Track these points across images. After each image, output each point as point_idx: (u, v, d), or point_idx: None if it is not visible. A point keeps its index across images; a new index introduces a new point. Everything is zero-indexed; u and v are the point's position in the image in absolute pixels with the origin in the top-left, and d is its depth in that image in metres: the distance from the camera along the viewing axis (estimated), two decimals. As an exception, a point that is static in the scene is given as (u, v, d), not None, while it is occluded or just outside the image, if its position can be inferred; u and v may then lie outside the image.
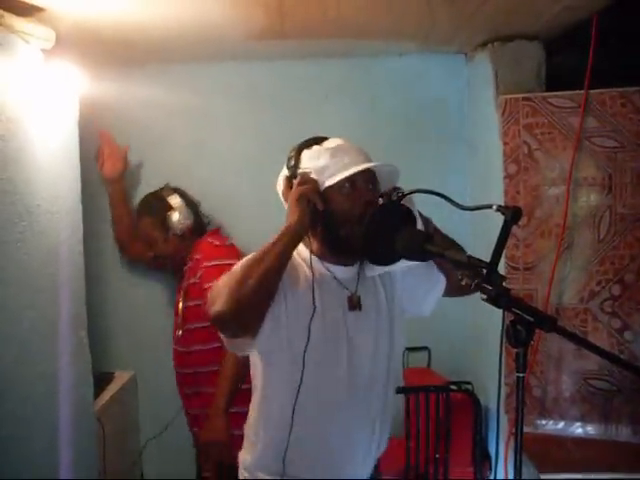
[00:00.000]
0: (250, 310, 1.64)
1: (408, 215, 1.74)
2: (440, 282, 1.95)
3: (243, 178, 3.43)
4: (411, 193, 1.76)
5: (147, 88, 3.25)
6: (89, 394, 2.75)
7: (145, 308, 3.55)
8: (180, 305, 3.02)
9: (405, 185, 1.81)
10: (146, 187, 3.35)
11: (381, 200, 1.76)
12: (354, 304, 1.85)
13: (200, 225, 3.12)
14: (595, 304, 2.66)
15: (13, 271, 2.14)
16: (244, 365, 2.06)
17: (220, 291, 1.65)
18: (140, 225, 3.12)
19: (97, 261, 3.32)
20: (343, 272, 1.86)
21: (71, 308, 2.56)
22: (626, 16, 2.57)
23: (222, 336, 1.76)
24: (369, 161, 1.81)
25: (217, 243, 3.00)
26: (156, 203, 3.09)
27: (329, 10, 2.50)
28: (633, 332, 2.62)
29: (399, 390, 2.78)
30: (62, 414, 2.45)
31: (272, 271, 1.64)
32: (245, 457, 1.97)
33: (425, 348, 3.38)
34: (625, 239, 2.61)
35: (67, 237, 2.54)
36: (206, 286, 2.72)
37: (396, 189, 1.79)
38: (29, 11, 2.23)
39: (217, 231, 3.14)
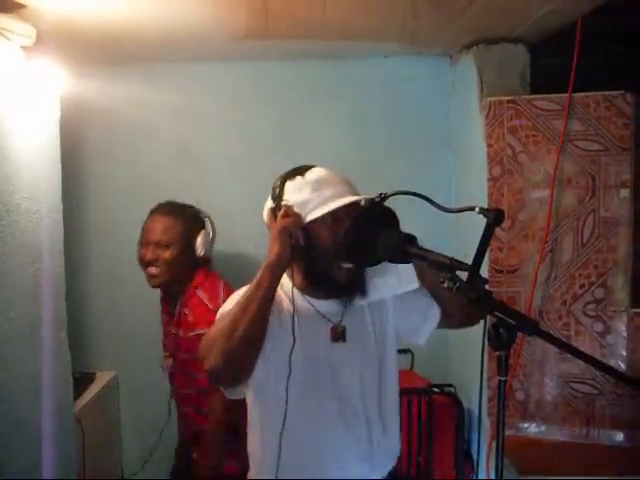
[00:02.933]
0: (241, 360, 1.64)
1: (391, 217, 1.73)
2: (434, 312, 1.93)
3: (227, 177, 3.42)
4: (393, 195, 1.75)
5: (130, 87, 3.23)
6: (69, 395, 2.72)
7: (128, 308, 3.53)
8: (172, 351, 2.94)
9: (388, 186, 1.80)
10: (129, 186, 3.33)
11: (363, 202, 1.74)
12: (337, 335, 1.83)
13: (208, 260, 3.00)
14: (578, 307, 2.66)
15: (-8, 270, 2.12)
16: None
17: (210, 345, 1.64)
18: (160, 224, 2.86)
19: (78, 260, 3.30)
20: (327, 306, 1.84)
21: (51, 308, 2.53)
22: (610, 20, 2.58)
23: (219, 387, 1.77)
24: (352, 191, 1.79)
25: (211, 306, 2.75)
26: (190, 212, 2.94)
27: (314, 11, 2.49)
28: (615, 336, 2.63)
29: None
30: (41, 415, 2.42)
31: (258, 316, 1.63)
32: None
33: (408, 351, 3.37)
34: (608, 242, 2.62)
35: (47, 236, 2.52)
36: (197, 332, 2.68)
37: (380, 194, 1.78)
38: (10, 7, 2.20)
39: (206, 274, 2.93)
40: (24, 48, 2.35)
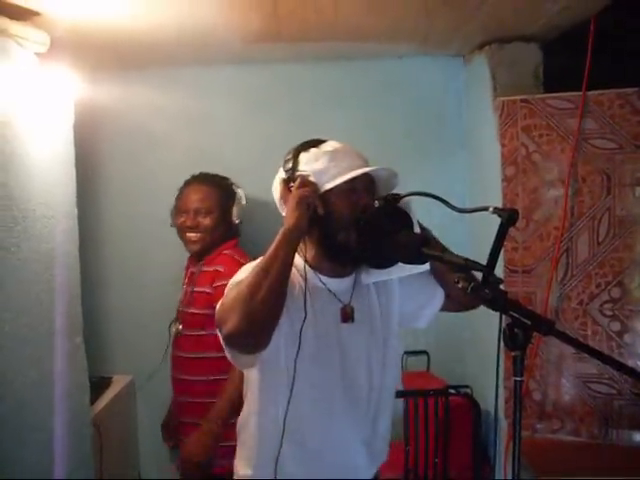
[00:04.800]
0: (263, 326, 1.61)
1: (405, 218, 1.73)
2: (438, 295, 1.93)
3: (241, 180, 3.42)
4: (408, 195, 1.75)
5: (143, 92, 3.25)
6: (85, 400, 2.74)
7: (144, 312, 3.53)
8: (184, 309, 3.00)
9: (403, 188, 1.80)
10: (143, 191, 3.34)
11: (377, 203, 1.74)
12: (347, 316, 1.83)
13: (237, 231, 3.14)
14: (594, 307, 2.65)
15: (8, 276, 2.14)
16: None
17: (229, 310, 1.62)
18: (199, 193, 3.01)
19: (94, 265, 3.31)
20: (337, 284, 1.85)
21: (67, 313, 2.55)
22: (623, 17, 2.56)
23: (229, 353, 1.73)
24: (367, 165, 1.79)
25: (242, 260, 2.86)
26: (226, 183, 3.10)
27: (325, 13, 2.49)
28: (632, 335, 2.61)
29: (398, 394, 2.77)
30: (58, 420, 2.44)
31: (278, 282, 1.61)
32: (246, 472, 1.92)
33: (424, 352, 3.36)
34: (624, 241, 2.60)
35: (63, 242, 2.53)
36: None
37: (394, 195, 1.78)
38: (24, 15, 2.23)
39: (237, 244, 3.08)
40: (38, 55, 2.38)
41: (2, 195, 2.09)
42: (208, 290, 2.87)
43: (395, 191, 1.80)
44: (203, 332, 2.88)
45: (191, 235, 2.99)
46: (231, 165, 3.43)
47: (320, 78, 3.44)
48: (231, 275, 2.75)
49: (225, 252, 2.97)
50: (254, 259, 1.75)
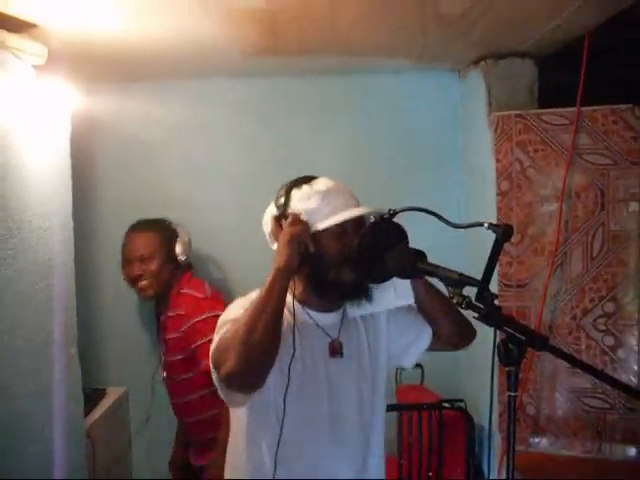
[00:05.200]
0: (262, 366, 1.63)
1: (400, 233, 1.74)
2: (426, 333, 1.93)
3: (237, 194, 3.43)
4: (403, 211, 1.75)
5: (140, 104, 3.26)
6: (79, 411, 2.72)
7: (138, 324, 3.54)
8: (164, 357, 3.02)
9: (398, 202, 1.81)
10: (139, 202, 3.35)
11: (373, 218, 1.75)
12: (336, 350, 1.84)
13: (188, 265, 3.14)
14: (588, 322, 2.66)
15: (5, 287, 2.14)
16: None
17: (225, 352, 1.63)
18: (138, 239, 3.03)
19: (89, 277, 3.31)
20: (325, 318, 1.85)
21: (62, 324, 2.54)
22: (618, 33, 2.58)
23: (222, 392, 1.74)
24: (358, 205, 1.81)
25: (200, 295, 2.94)
26: (164, 225, 3.08)
27: (322, 28, 2.51)
28: (626, 350, 2.62)
29: (392, 407, 2.77)
30: (52, 431, 2.43)
31: (273, 321, 1.63)
32: None
33: (418, 365, 3.35)
34: (618, 256, 2.62)
35: (58, 253, 2.53)
36: (199, 342, 2.74)
37: (389, 210, 1.79)
38: (21, 27, 2.24)
39: (190, 277, 3.08)
40: (35, 67, 2.38)
41: (-2, 206, 2.10)
42: (178, 335, 2.89)
43: (389, 207, 1.80)
44: (184, 376, 2.93)
45: (141, 283, 3.01)
46: (227, 176, 3.45)
47: (317, 92, 3.45)
48: (194, 316, 2.82)
49: (182, 291, 2.97)
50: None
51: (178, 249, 3.03)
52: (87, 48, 2.61)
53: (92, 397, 3.15)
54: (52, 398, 2.44)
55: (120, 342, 3.56)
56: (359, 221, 1.79)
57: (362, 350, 1.89)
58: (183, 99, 3.41)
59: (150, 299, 3.10)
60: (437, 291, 1.86)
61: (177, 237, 3.06)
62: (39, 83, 2.41)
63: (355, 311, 1.85)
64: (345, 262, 1.72)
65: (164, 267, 3.00)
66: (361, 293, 1.79)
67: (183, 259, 3.04)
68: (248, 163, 3.45)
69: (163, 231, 3.06)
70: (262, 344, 1.59)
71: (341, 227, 1.75)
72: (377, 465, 1.93)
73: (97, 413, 3.13)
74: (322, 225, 1.74)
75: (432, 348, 1.95)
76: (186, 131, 3.41)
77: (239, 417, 1.86)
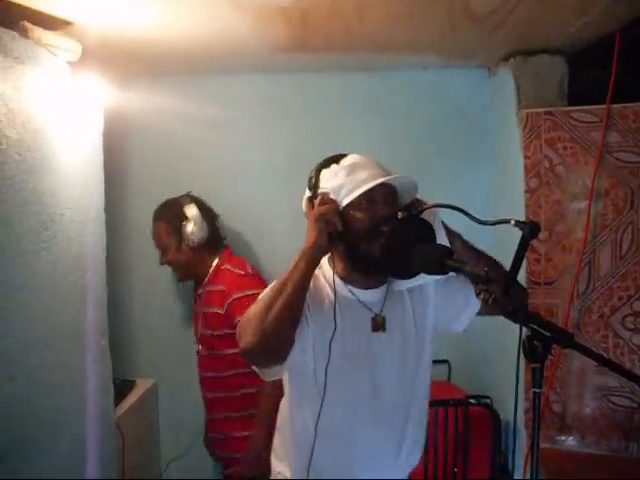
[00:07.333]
0: (276, 340, 1.65)
1: (428, 229, 1.75)
2: (475, 300, 1.90)
3: (267, 189, 3.45)
4: (430, 207, 1.77)
5: (172, 100, 3.29)
6: (109, 401, 2.77)
7: (168, 316, 3.59)
8: (200, 330, 3.03)
9: (426, 199, 1.82)
10: (170, 196, 3.37)
11: (400, 214, 1.76)
12: (378, 325, 1.85)
13: (216, 239, 3.09)
14: (616, 320, 2.64)
15: (37, 279, 2.18)
16: (279, 395, 2.08)
17: (245, 326, 1.67)
18: (154, 230, 3.07)
19: (119, 269, 3.35)
20: (368, 295, 1.86)
21: (93, 316, 2.58)
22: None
23: (254, 367, 1.79)
24: (386, 175, 1.80)
25: (241, 272, 2.94)
26: (172, 210, 3.03)
27: (352, 23, 2.51)
28: (654, 348, 2.60)
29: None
30: (82, 421, 2.48)
31: (293, 298, 1.65)
32: (281, 469, 2.01)
33: (445, 361, 3.37)
34: (647, 255, 2.60)
35: (90, 246, 2.57)
36: (238, 319, 2.72)
37: (416, 201, 1.80)
38: (56, 24, 2.28)
39: (231, 254, 3.08)
40: (70, 63, 2.42)
41: (33, 200, 2.14)
42: (218, 311, 2.89)
43: (417, 201, 1.82)
44: (213, 352, 2.95)
45: (173, 269, 3.16)
46: (256, 173, 3.47)
47: (345, 88, 3.45)
48: (234, 292, 2.83)
49: (222, 267, 2.99)
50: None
51: (188, 233, 2.95)
52: (120, 44, 2.65)
53: (122, 388, 3.20)
54: (83, 388, 2.49)
55: (151, 334, 3.61)
56: (387, 191, 1.79)
57: (407, 324, 1.90)
58: (212, 94, 3.44)
59: (184, 280, 3.19)
60: (480, 252, 1.90)
61: (185, 220, 2.98)
62: (73, 79, 2.45)
63: (402, 284, 1.86)
64: (376, 234, 1.73)
65: (179, 253, 3.01)
66: (398, 265, 1.75)
67: (196, 241, 2.96)
68: (277, 158, 3.47)
69: (172, 219, 3.00)
70: (278, 319, 1.62)
71: (368, 198, 1.76)
72: (415, 436, 1.96)
73: (127, 404, 3.18)
74: (347, 200, 1.76)
75: (483, 312, 1.94)
76: (216, 126, 3.43)
77: (285, 389, 1.95)
